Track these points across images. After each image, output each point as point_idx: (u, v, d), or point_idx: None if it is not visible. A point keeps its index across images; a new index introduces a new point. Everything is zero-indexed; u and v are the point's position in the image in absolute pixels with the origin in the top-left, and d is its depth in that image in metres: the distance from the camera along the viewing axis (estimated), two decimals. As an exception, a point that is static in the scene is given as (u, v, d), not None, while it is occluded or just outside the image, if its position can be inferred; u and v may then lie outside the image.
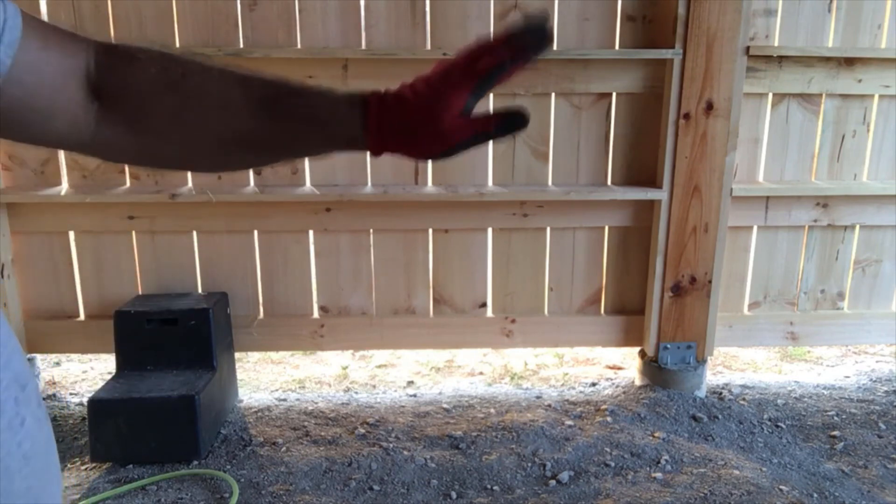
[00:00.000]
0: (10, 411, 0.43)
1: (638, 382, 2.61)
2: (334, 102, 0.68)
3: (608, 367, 2.86)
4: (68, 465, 2.09)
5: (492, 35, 0.66)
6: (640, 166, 2.46)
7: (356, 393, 2.61)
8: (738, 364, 2.92)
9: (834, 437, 2.27)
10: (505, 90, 2.35)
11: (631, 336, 2.59)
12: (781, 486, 1.96)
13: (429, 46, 2.32)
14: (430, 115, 0.67)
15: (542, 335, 2.58)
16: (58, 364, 2.85)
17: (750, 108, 2.42)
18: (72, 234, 2.43)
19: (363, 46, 2.31)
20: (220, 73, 0.68)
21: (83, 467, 2.06)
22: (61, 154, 2.37)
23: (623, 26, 2.35)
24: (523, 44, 0.64)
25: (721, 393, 2.54)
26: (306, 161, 2.40)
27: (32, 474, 0.44)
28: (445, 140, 0.67)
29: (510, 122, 0.67)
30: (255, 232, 2.45)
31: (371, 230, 2.47)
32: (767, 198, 2.50)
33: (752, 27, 2.34)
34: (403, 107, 0.68)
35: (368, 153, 0.69)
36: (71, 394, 2.57)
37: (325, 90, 0.69)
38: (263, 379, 2.74)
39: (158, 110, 0.65)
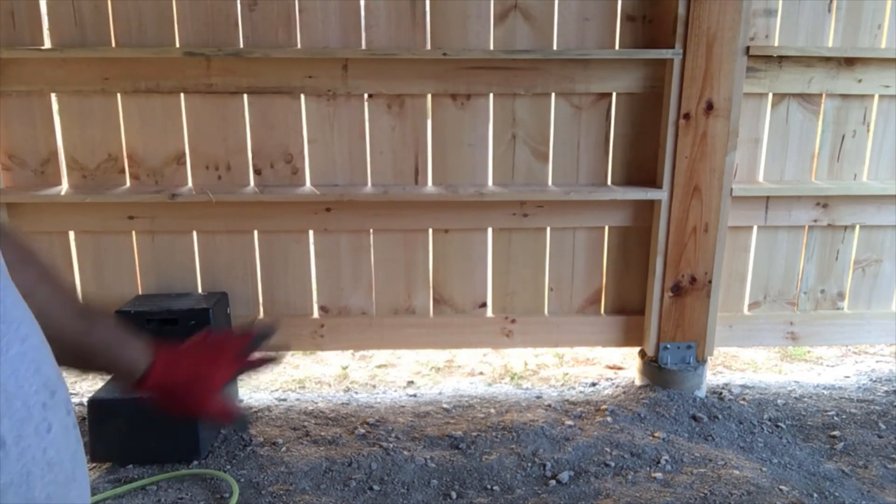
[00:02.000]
0: (37, 417, 0.43)
1: (638, 382, 2.61)
2: (127, 340, 0.80)
3: (608, 367, 2.86)
4: (68, 465, 2.09)
5: (247, 331, 0.87)
6: (640, 166, 2.46)
7: (356, 393, 2.61)
8: (738, 364, 2.92)
9: (834, 437, 2.27)
10: (505, 90, 2.35)
11: (631, 336, 2.59)
12: (781, 486, 1.96)
13: (429, 46, 2.32)
14: (199, 384, 0.82)
15: (542, 335, 2.58)
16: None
17: (750, 108, 2.42)
18: (72, 234, 2.42)
19: (363, 46, 2.31)
20: (56, 274, 0.74)
21: (83, 467, 2.06)
22: (61, 154, 2.37)
23: (623, 26, 2.35)
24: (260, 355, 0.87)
25: (721, 393, 2.54)
26: (306, 161, 2.40)
27: (54, 482, 0.44)
28: (199, 407, 0.83)
29: (240, 424, 0.87)
30: (255, 232, 2.45)
31: (371, 230, 2.47)
32: (767, 198, 2.50)
33: (752, 27, 2.34)
34: (184, 369, 0.82)
35: (131, 387, 0.81)
36: (71, 394, 2.57)
37: (121, 331, 0.80)
38: (263, 379, 2.74)
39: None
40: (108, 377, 0.87)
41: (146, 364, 0.79)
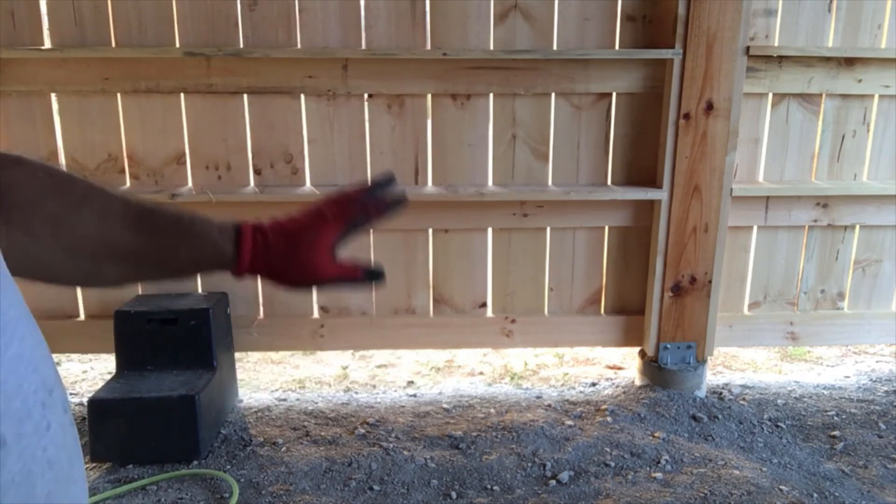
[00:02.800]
0: (36, 416, 0.43)
1: (638, 382, 2.61)
2: (208, 225, 0.73)
3: (608, 367, 2.86)
4: (68, 465, 2.08)
5: (357, 185, 0.79)
6: (640, 166, 2.46)
7: (356, 393, 2.61)
8: (738, 364, 2.92)
9: (834, 437, 2.27)
10: (505, 90, 2.35)
11: (631, 336, 2.59)
12: (781, 486, 1.96)
13: (429, 46, 2.32)
14: (301, 250, 0.74)
15: (542, 335, 2.58)
16: (58, 364, 2.86)
17: (750, 108, 2.42)
18: (72, 234, 2.42)
19: (363, 46, 2.31)
20: (103, 189, 0.70)
21: (83, 467, 2.06)
22: (61, 154, 2.37)
23: (623, 26, 2.35)
24: (380, 200, 0.78)
25: (721, 393, 2.54)
26: (306, 161, 2.40)
27: (54, 480, 0.45)
28: (312, 275, 0.76)
29: (372, 276, 0.79)
30: (255, 232, 2.44)
31: (371, 230, 2.47)
32: (767, 198, 2.50)
33: (752, 27, 2.34)
34: (277, 238, 0.74)
35: (234, 275, 0.74)
36: (71, 394, 2.57)
37: (201, 216, 0.74)
38: (263, 379, 2.74)
39: (40, 213, 0.65)
40: (206, 272, 0.79)
41: (232, 244, 0.73)
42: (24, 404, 0.42)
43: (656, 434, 2.22)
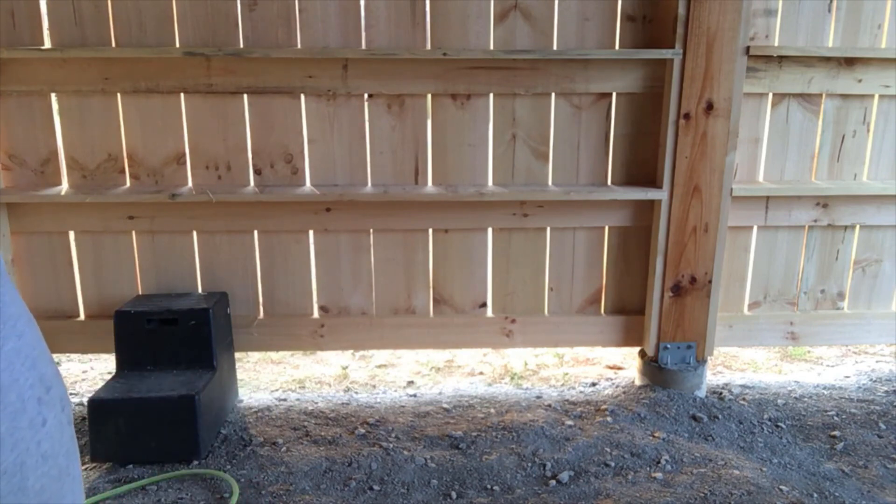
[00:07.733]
0: (32, 410, 0.44)
1: (638, 382, 2.61)
2: None
3: (608, 367, 2.86)
4: (68, 465, 2.08)
5: None
6: (640, 166, 2.46)
7: (356, 393, 2.61)
8: (738, 364, 2.92)
9: (834, 437, 2.27)
10: (505, 90, 2.35)
11: (631, 336, 2.59)
12: (781, 486, 1.96)
13: (429, 46, 2.32)
14: None
15: (542, 335, 2.58)
16: (58, 364, 2.86)
17: (750, 108, 2.42)
18: (72, 234, 2.43)
19: (363, 46, 2.31)
20: None
21: (83, 467, 2.06)
22: (61, 154, 2.37)
23: (623, 26, 2.35)
24: None
25: (721, 393, 2.54)
26: (306, 161, 2.40)
27: (48, 475, 0.45)
28: None
29: None
30: (255, 232, 2.45)
31: (371, 230, 2.47)
32: (767, 198, 2.50)
33: (752, 27, 2.34)
34: None
35: None
36: (71, 393, 2.57)
37: None
38: (263, 379, 2.74)
39: None
40: None
41: None
42: (20, 398, 0.42)
43: (656, 434, 2.22)
